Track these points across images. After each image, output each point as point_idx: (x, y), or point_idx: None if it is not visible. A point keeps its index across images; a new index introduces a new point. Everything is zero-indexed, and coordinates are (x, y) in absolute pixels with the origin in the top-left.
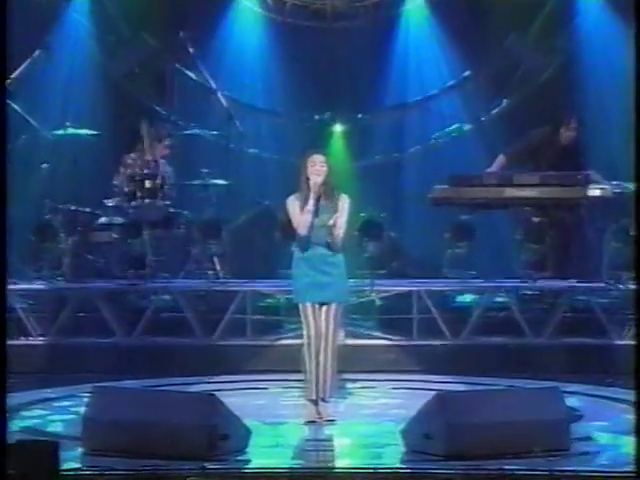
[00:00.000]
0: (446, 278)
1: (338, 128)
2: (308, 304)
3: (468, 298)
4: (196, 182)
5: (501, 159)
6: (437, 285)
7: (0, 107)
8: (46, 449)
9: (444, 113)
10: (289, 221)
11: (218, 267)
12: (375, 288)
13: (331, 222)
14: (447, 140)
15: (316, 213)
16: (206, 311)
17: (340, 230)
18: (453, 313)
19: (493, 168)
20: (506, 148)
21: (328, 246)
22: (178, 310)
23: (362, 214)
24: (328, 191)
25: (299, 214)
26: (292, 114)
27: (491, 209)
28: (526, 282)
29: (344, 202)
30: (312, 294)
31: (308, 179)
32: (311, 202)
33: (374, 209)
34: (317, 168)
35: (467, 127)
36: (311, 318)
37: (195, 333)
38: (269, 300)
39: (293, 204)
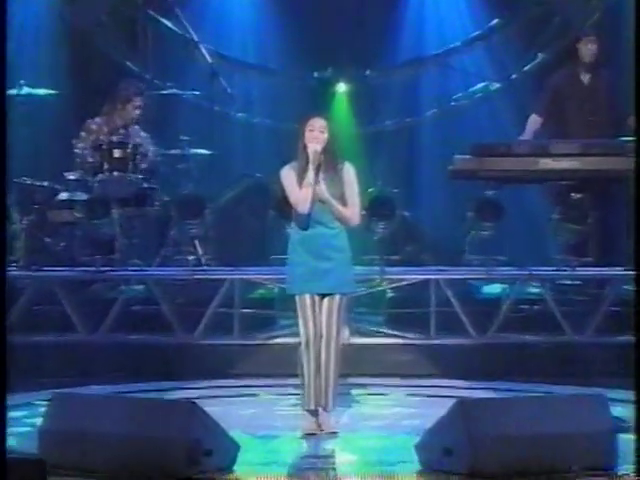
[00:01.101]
0: (469, 265)
1: (342, 88)
2: (306, 296)
3: (496, 289)
4: (174, 152)
5: (535, 120)
6: (459, 273)
7: (0, 108)
8: (32, 470)
9: (467, 70)
10: (284, 197)
11: (200, 252)
12: (386, 277)
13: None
14: (471, 102)
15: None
16: (186, 304)
17: (355, 207)
18: (478, 306)
19: (526, 135)
20: (536, 105)
21: (330, 226)
22: (153, 302)
23: (370, 189)
24: (329, 160)
25: (297, 188)
26: (288, 71)
27: (523, 183)
28: (564, 270)
29: (349, 172)
30: (311, 283)
31: (306, 147)
32: (310, 174)
33: (384, 183)
34: (316, 134)
35: (494, 86)
36: (310, 312)
37: (173, 330)
38: (260, 291)
39: (289, 176)
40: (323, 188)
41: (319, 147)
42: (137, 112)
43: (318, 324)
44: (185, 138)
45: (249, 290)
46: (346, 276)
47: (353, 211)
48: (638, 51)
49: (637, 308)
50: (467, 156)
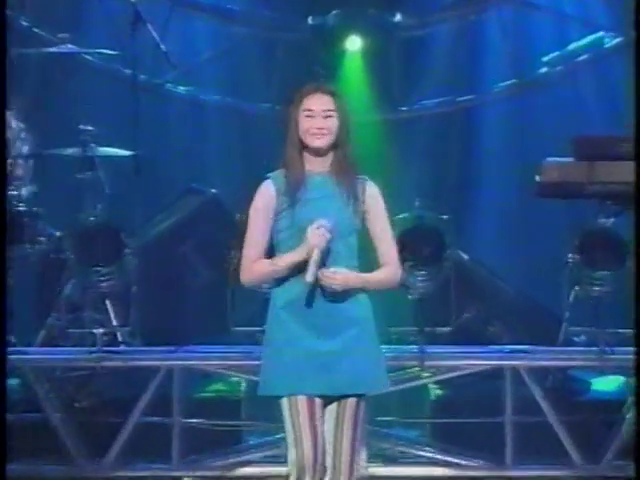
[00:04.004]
0: (570, 344)
1: (354, 44)
2: (301, 398)
3: (613, 383)
4: (70, 151)
5: None
6: (552, 357)
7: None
8: None
9: (567, 14)
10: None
11: (115, 321)
12: (429, 362)
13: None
14: (571, 66)
15: (325, 282)
16: (90, 410)
17: (393, 258)
18: (584, 413)
19: None
20: None
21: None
22: (33, 406)
23: (401, 215)
24: (340, 171)
25: (259, 241)
26: (264, 16)
27: None
28: None
29: (372, 193)
30: (309, 378)
31: (302, 143)
32: (308, 190)
33: (425, 205)
34: (318, 123)
35: (611, 40)
36: (307, 425)
37: (69, 454)
38: (217, 386)
39: (258, 208)
40: (343, 277)
41: (324, 141)
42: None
43: (320, 444)
44: (89, 129)
45: (197, 385)
46: (367, 365)
47: (392, 266)
48: (638, 52)
49: (637, 311)
50: (567, 159)
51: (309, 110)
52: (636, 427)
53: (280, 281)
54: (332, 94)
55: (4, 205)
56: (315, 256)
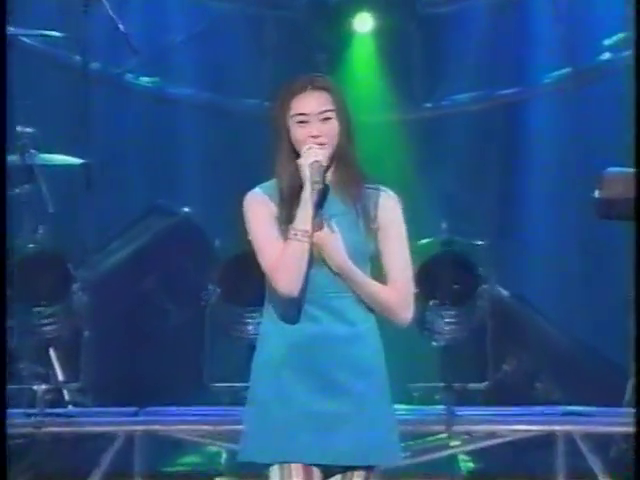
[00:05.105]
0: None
1: (365, 23)
2: (296, 467)
3: None
4: (5, 159)
5: None
6: (616, 420)
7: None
8: None
9: None
10: (246, 257)
11: (60, 376)
12: (459, 426)
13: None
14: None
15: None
16: None
17: (405, 283)
18: None
19: None
20: None
21: (349, 316)
22: None
23: (425, 240)
24: (346, 180)
25: (274, 241)
26: None
27: None
28: None
29: (389, 207)
30: (304, 442)
31: (294, 152)
32: (306, 209)
33: (455, 227)
34: (314, 130)
35: None
36: None
37: None
38: (190, 458)
39: (258, 216)
40: (334, 239)
41: (325, 152)
42: None
43: None
44: (27, 130)
45: (165, 457)
46: (377, 429)
47: (400, 292)
48: (638, 52)
49: (637, 312)
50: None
51: (301, 114)
52: (636, 427)
53: (269, 322)
54: (327, 89)
55: (4, 205)
56: (313, 171)
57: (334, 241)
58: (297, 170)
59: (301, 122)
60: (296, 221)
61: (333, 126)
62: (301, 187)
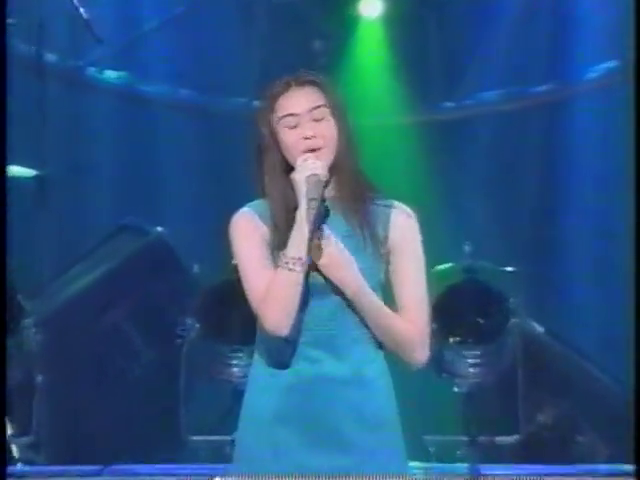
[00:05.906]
0: None
1: (374, 7)
2: None
3: None
4: None
5: None
6: None
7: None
8: None
9: None
10: (230, 285)
11: (8, 428)
12: None
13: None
14: None
15: (314, 258)
16: None
17: (420, 315)
18: None
19: None
20: None
21: (350, 355)
22: None
23: (444, 265)
24: (347, 192)
25: (263, 269)
26: None
27: None
28: None
29: (400, 222)
30: None
31: (285, 160)
32: (302, 230)
33: (479, 251)
34: (306, 131)
35: None
36: None
37: None
38: None
39: (247, 238)
40: (348, 259)
41: (320, 168)
42: None
43: None
44: None
45: None
46: None
47: (415, 325)
48: (638, 52)
49: (637, 311)
50: None
51: (290, 115)
52: (636, 427)
53: (260, 364)
54: (315, 84)
55: (4, 209)
56: (310, 187)
57: (348, 261)
58: (290, 186)
59: (290, 124)
60: (288, 247)
61: (329, 125)
62: (296, 206)
